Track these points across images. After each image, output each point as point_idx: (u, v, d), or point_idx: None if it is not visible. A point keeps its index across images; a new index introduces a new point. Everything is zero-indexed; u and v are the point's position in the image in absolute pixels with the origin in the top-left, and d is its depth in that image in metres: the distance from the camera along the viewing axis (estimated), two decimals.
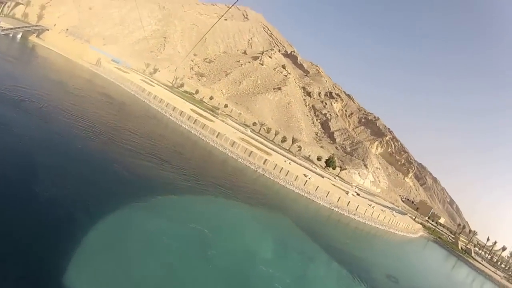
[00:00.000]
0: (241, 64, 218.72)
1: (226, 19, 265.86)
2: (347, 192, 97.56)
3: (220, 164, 71.96)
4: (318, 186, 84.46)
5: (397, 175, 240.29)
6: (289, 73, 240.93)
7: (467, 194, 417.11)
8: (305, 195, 79.94)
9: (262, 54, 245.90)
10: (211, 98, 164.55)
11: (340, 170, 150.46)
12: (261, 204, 55.81)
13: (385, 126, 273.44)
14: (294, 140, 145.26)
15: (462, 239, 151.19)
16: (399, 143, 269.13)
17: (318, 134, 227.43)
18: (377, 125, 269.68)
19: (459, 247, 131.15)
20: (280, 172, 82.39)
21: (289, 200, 71.28)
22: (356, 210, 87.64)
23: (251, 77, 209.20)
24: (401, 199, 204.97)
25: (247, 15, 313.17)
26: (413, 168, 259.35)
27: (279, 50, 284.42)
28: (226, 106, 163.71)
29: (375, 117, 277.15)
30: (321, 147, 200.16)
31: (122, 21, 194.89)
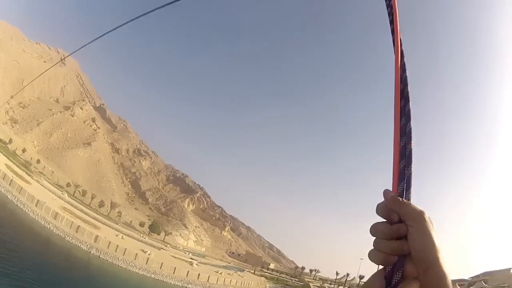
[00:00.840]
0: (53, 114, 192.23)
1: (45, 61, 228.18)
2: (191, 263, 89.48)
3: (46, 246, 54.59)
4: (162, 263, 74.26)
5: (214, 230, 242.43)
6: (99, 128, 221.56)
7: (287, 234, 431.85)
8: (152, 275, 68.57)
9: (73, 104, 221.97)
10: (23, 150, 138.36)
11: (165, 235, 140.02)
12: None
13: (195, 183, 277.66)
14: (112, 205, 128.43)
15: (308, 279, 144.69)
16: (210, 199, 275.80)
17: (130, 195, 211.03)
18: (186, 182, 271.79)
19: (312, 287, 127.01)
20: (116, 251, 68.58)
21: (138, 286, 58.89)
22: (208, 281, 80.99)
23: (61, 129, 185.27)
24: (227, 254, 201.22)
25: (65, 60, 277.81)
26: (228, 222, 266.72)
27: (90, 102, 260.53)
28: (38, 161, 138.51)
29: (183, 174, 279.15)
30: (135, 209, 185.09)
31: None
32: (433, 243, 0.99)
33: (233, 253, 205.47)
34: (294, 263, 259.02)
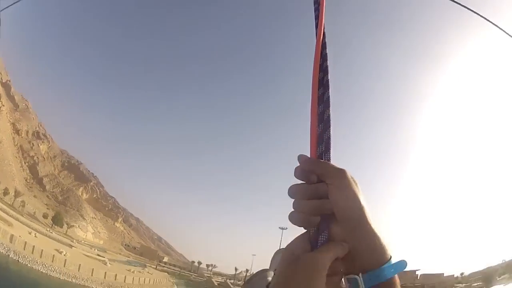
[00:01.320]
0: None
1: None
2: (105, 263, 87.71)
3: None
4: (80, 264, 72.77)
5: (107, 221, 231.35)
6: (3, 105, 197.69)
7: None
8: (72, 280, 67.01)
9: None
10: None
11: (68, 228, 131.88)
12: None
13: (89, 171, 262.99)
14: (16, 193, 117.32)
15: (207, 274, 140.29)
16: (103, 189, 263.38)
17: (28, 180, 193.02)
18: (81, 169, 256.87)
19: (216, 284, 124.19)
20: (33, 253, 65.70)
21: None
22: (124, 282, 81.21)
23: None
24: (123, 247, 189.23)
25: None
26: (121, 213, 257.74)
27: None
28: None
29: (77, 161, 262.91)
30: (34, 196, 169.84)
31: None
32: (357, 200, 0.92)
33: (128, 246, 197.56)
34: (184, 257, 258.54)
